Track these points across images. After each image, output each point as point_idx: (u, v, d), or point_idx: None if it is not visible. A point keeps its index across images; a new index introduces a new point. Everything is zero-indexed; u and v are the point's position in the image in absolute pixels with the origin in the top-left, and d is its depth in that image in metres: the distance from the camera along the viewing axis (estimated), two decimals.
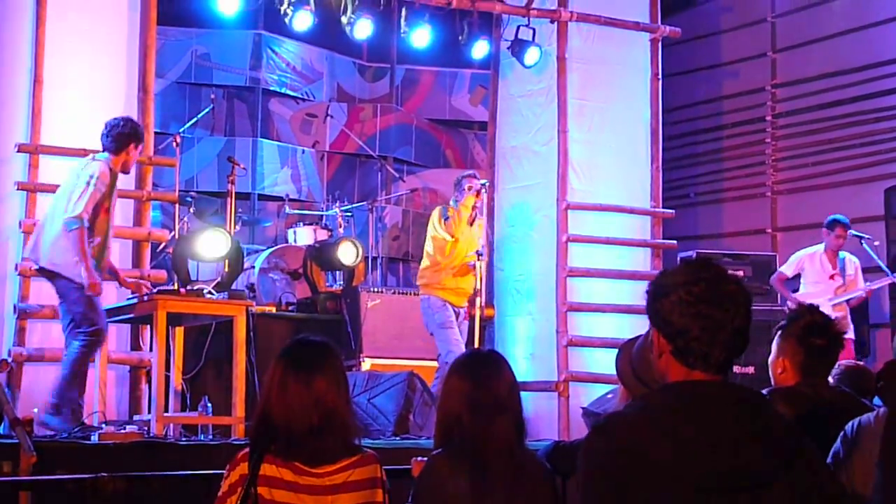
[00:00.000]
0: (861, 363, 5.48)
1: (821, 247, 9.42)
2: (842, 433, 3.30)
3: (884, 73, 11.27)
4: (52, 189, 7.65)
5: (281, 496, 3.11)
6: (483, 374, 3.33)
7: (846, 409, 3.62)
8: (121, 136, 6.81)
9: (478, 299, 8.13)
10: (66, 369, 6.60)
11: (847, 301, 9.31)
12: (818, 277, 9.36)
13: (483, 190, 8.32)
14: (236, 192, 9.24)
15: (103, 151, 6.83)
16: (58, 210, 6.68)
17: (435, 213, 8.37)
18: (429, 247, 8.39)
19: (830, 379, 3.98)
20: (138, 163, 8.09)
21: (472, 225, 8.32)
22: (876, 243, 9.50)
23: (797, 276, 9.57)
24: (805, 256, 9.49)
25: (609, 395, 6.84)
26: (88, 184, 6.55)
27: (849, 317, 9.34)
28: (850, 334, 9.25)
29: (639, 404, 2.29)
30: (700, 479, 2.13)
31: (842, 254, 9.38)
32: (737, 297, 2.26)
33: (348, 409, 3.26)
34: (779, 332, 3.76)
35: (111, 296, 7.69)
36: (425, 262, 8.42)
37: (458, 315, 8.28)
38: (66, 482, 4.90)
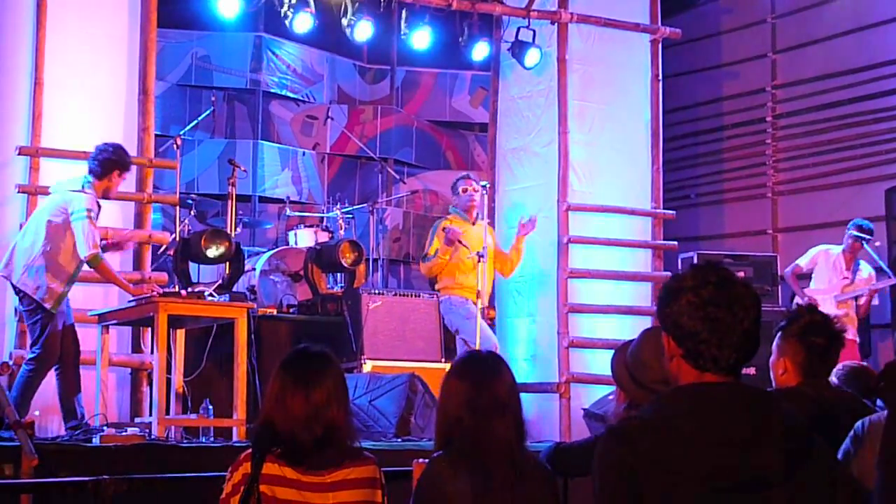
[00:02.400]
0: (863, 363, 5.48)
1: (839, 247, 9.43)
2: (852, 431, 3.30)
3: (884, 73, 11.27)
4: None
5: (283, 493, 3.15)
6: (482, 375, 3.33)
7: (848, 409, 3.62)
8: (107, 161, 6.92)
9: (479, 301, 8.14)
10: (15, 391, 6.75)
11: (855, 299, 9.31)
12: (830, 276, 9.38)
13: (482, 192, 8.49)
14: (237, 195, 9.24)
15: (88, 174, 6.91)
16: (38, 233, 6.79)
17: (434, 231, 8.60)
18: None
19: (833, 379, 3.98)
20: (139, 165, 8.12)
21: (473, 224, 8.47)
22: (877, 244, 9.50)
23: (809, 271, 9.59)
24: (822, 252, 9.51)
25: (610, 397, 6.85)
26: (89, 217, 6.71)
27: (854, 317, 9.35)
28: (853, 335, 9.25)
29: (652, 408, 2.31)
30: (713, 480, 2.15)
31: (860, 260, 9.41)
32: (745, 300, 2.29)
33: (348, 419, 3.30)
34: (779, 333, 3.75)
35: (113, 298, 7.71)
36: (437, 278, 8.63)
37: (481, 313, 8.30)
38: (67, 485, 4.90)
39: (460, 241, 8.29)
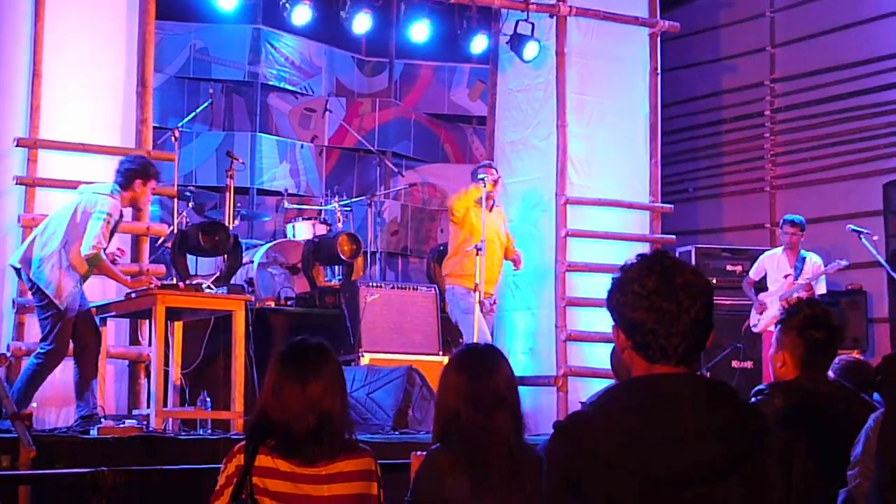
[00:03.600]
0: (860, 357, 5.48)
1: (780, 248, 9.48)
2: (871, 421, 3.28)
3: (882, 67, 11.26)
4: (50, 184, 7.68)
5: (275, 485, 3.15)
6: (480, 368, 3.33)
7: (846, 402, 3.62)
8: (128, 171, 7.03)
9: (476, 294, 8.13)
10: (21, 382, 6.75)
11: (793, 294, 9.27)
12: (775, 277, 9.42)
13: (501, 181, 8.57)
14: (235, 187, 9.24)
15: (115, 183, 6.98)
16: (57, 230, 6.82)
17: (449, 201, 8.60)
18: (450, 239, 8.65)
19: (830, 373, 3.98)
20: None
21: (490, 211, 8.44)
22: (875, 238, 9.49)
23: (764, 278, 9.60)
24: (766, 258, 9.59)
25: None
26: (107, 221, 6.76)
27: None
28: None
29: (598, 402, 2.26)
30: (657, 474, 2.11)
31: (804, 253, 9.40)
32: (691, 288, 2.22)
33: (344, 412, 3.29)
34: (778, 327, 3.76)
35: (111, 290, 7.71)
36: (447, 256, 8.64)
37: (482, 305, 8.26)
38: (65, 476, 4.91)
39: None
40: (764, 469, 2.16)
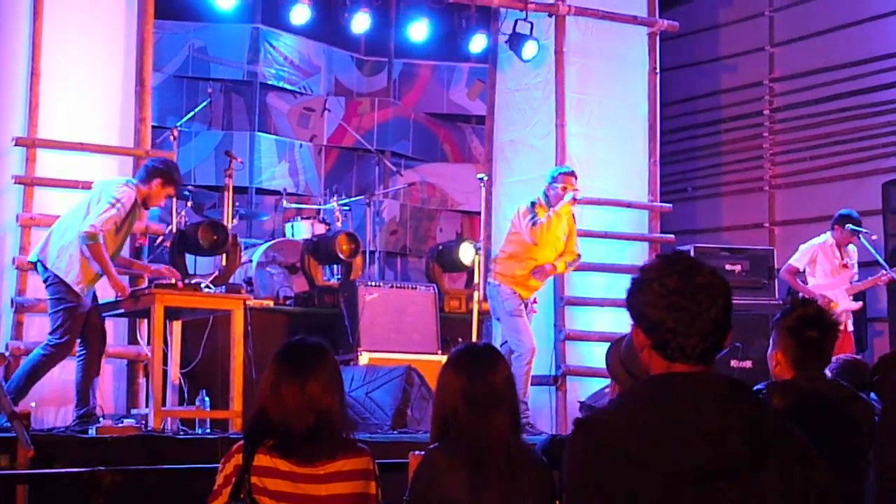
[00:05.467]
0: (858, 357, 5.49)
1: (827, 237, 9.37)
2: None
3: (882, 67, 11.26)
4: (48, 183, 7.68)
5: (274, 484, 3.16)
6: (478, 367, 3.33)
7: (843, 402, 3.62)
8: (152, 168, 7.03)
9: (475, 294, 8.12)
10: (22, 373, 6.74)
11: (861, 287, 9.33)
12: (832, 268, 9.31)
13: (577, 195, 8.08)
14: (234, 186, 9.23)
15: (134, 177, 7.04)
16: (75, 221, 6.77)
17: (521, 209, 8.06)
18: (508, 241, 8.19)
19: (828, 372, 3.98)
20: (135, 156, 8.11)
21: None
22: (874, 237, 9.48)
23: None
24: (818, 247, 9.35)
25: (606, 390, 6.85)
26: (113, 205, 6.71)
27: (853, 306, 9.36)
28: (850, 326, 9.24)
29: (619, 399, 2.31)
30: (677, 470, 2.14)
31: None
32: (711, 289, 2.25)
33: (342, 410, 3.30)
34: (774, 326, 3.76)
35: (108, 291, 7.71)
36: (501, 254, 8.20)
37: (525, 306, 8.17)
38: (63, 476, 4.91)
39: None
40: (785, 466, 2.18)
